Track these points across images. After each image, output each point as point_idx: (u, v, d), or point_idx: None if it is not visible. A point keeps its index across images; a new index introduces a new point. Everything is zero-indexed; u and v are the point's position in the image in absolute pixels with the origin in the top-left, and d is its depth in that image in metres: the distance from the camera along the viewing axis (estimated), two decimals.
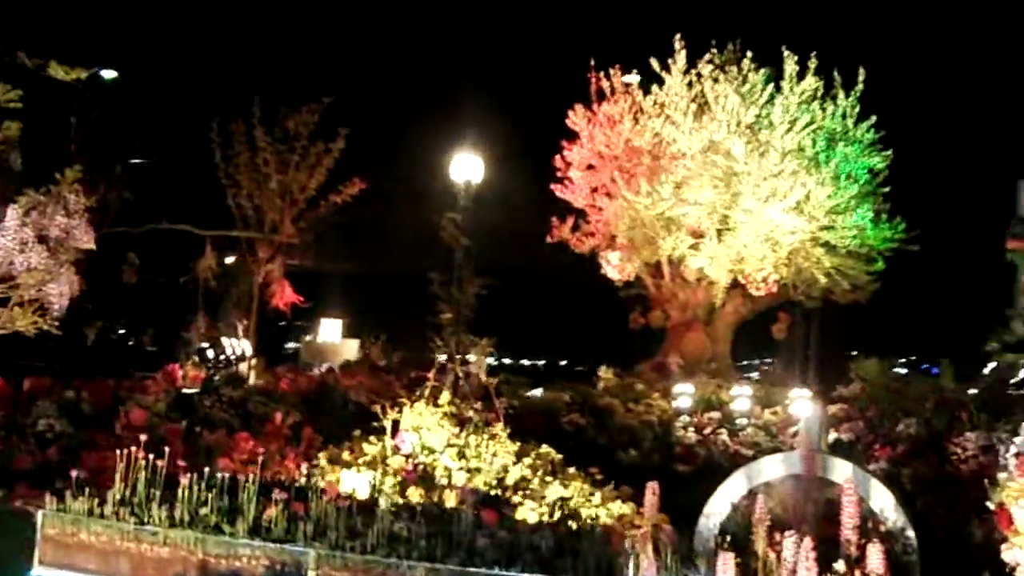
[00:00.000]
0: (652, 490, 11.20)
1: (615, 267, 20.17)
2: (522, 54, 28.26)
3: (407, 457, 12.44)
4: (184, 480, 10.11)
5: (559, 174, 20.94)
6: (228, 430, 13.35)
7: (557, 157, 20.93)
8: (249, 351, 18.32)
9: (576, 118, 20.44)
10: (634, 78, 29.38)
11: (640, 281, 20.92)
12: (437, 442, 12.62)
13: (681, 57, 19.64)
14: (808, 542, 9.18)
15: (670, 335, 20.90)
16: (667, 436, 15.41)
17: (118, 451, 10.35)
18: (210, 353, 17.75)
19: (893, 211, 20.04)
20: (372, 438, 13.11)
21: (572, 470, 12.71)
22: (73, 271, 11.98)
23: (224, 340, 18.19)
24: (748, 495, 11.00)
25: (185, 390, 14.48)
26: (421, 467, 12.19)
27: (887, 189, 20.07)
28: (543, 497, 11.76)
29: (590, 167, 20.57)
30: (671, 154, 19.40)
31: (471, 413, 13.41)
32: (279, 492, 9.89)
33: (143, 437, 10.73)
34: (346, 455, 12.83)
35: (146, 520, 9.95)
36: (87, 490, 10.11)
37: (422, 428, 12.78)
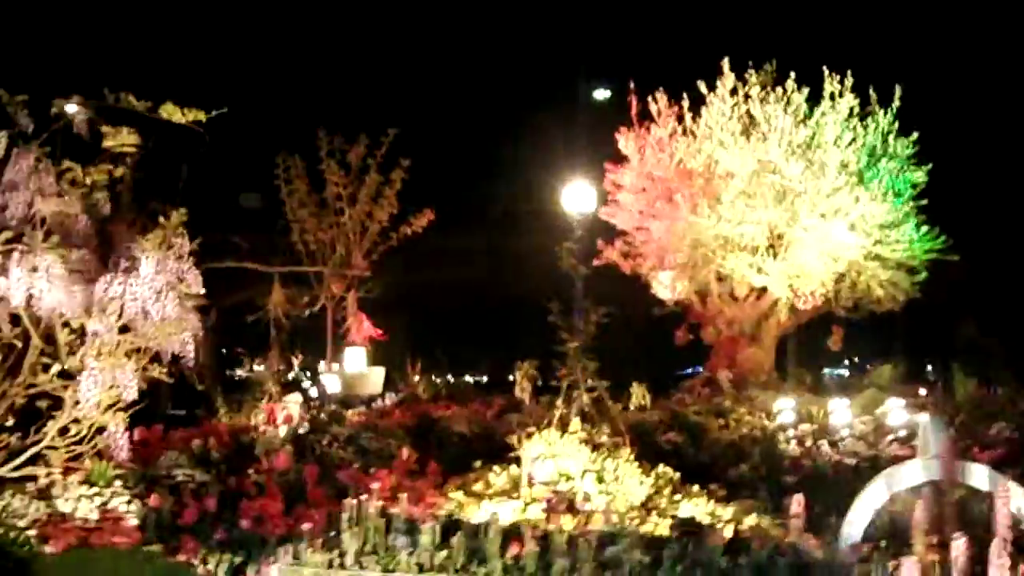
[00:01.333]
0: (798, 502, 10.63)
1: (667, 287, 19.35)
2: (556, 77, 27.21)
3: (546, 485, 11.82)
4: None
5: (609, 197, 19.92)
6: (346, 467, 12.25)
7: (607, 180, 19.90)
8: (339, 387, 17.21)
9: (625, 141, 19.54)
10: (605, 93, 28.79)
11: (686, 300, 20.04)
12: (574, 468, 12.01)
13: (729, 79, 18.88)
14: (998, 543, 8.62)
15: (716, 351, 20.07)
16: (771, 449, 14.46)
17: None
18: (312, 391, 16.58)
19: (930, 222, 19.41)
20: (496, 468, 12.53)
21: (695, 487, 12.26)
22: (198, 317, 10.95)
23: (321, 377, 17.16)
24: (890, 501, 10.37)
25: (298, 430, 13.32)
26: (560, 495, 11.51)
27: (925, 202, 19.45)
28: (674, 516, 11.20)
29: (640, 189, 19.60)
30: (720, 175, 18.63)
31: (603, 438, 12.82)
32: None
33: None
34: (478, 486, 12.17)
35: (392, 568, 9.22)
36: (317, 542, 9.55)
37: (558, 455, 12.16)
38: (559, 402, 13.19)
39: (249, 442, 12.34)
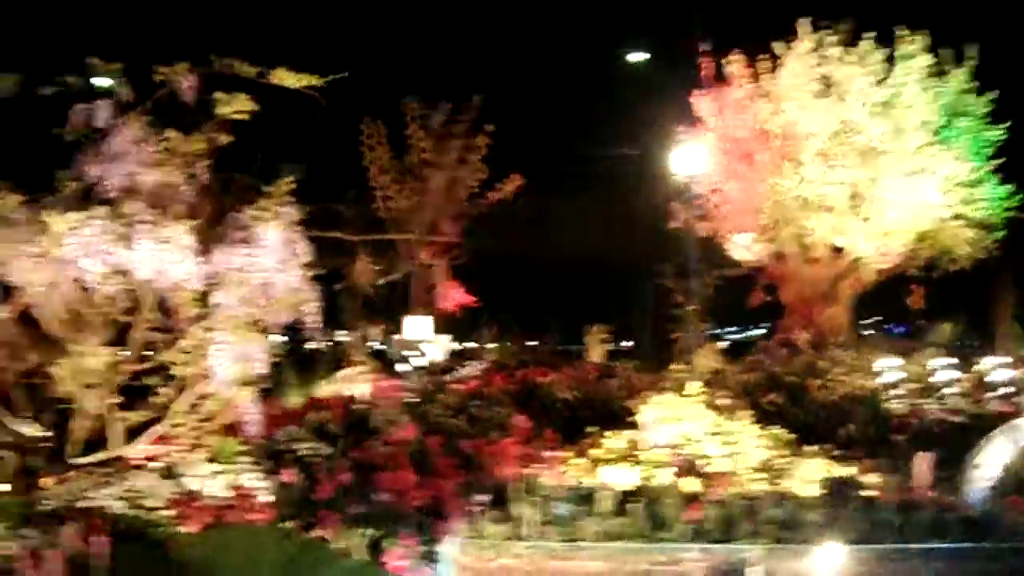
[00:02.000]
0: (924, 460, 10.40)
1: (745, 248, 18.55)
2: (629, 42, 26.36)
3: (667, 448, 11.30)
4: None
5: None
6: (462, 436, 11.57)
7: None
8: (441, 355, 16.48)
9: (703, 103, 18.69)
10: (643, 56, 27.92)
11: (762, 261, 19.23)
12: (696, 431, 11.51)
13: (806, 39, 18.00)
14: None
15: (791, 312, 19.24)
16: (876, 409, 13.74)
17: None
18: (417, 360, 15.82)
19: (1008, 180, 18.54)
20: (609, 433, 12.00)
21: (810, 448, 11.73)
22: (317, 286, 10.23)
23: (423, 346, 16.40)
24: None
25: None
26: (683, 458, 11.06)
27: (1004, 160, 18.50)
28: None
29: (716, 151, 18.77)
30: (799, 135, 17.81)
31: (724, 400, 12.44)
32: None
33: None
34: (597, 451, 11.57)
35: (575, 537, 8.66)
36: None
37: (680, 418, 11.67)
38: (674, 364, 12.65)
39: (364, 414, 11.65)
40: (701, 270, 12.34)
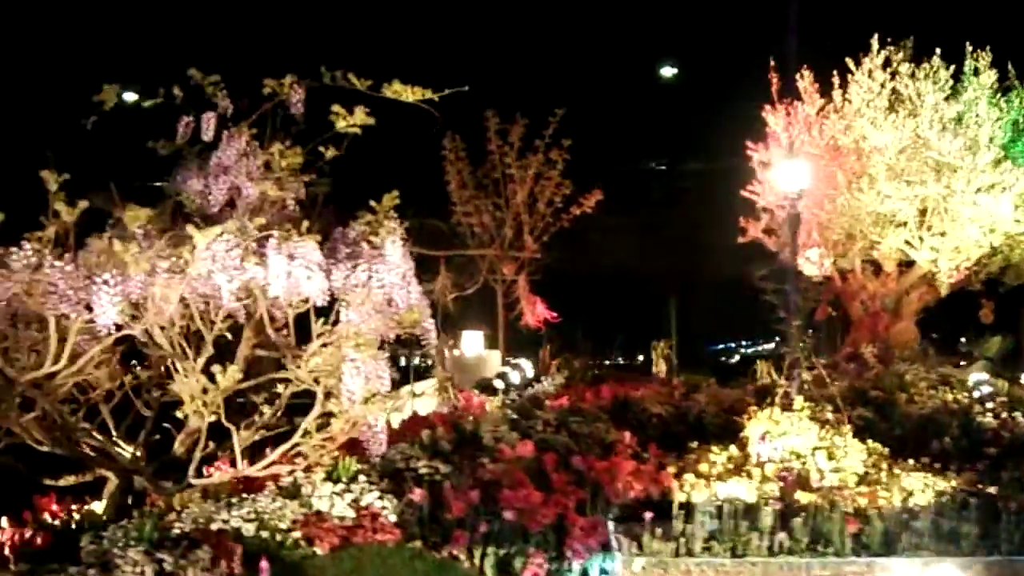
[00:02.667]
0: None
1: (814, 263, 18.00)
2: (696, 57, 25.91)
3: (775, 463, 11.04)
4: None
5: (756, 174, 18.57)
6: (571, 453, 10.98)
7: (755, 157, 18.51)
8: (532, 371, 15.92)
9: (774, 118, 18.17)
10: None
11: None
12: (803, 445, 11.22)
13: (879, 55, 17.52)
14: None
15: (857, 326, 18.70)
16: (968, 422, 13.22)
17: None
18: (513, 377, 15.24)
19: None
20: (714, 448, 11.73)
21: (909, 462, 11.48)
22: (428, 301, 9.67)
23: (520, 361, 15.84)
24: None
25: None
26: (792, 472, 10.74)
27: None
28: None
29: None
30: (868, 151, 17.30)
31: (828, 415, 11.89)
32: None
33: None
34: (704, 467, 11.15)
35: (742, 552, 8.45)
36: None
37: (787, 433, 11.42)
38: (781, 379, 12.19)
39: (473, 430, 11.09)
40: (804, 287, 11.87)
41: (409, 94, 9.77)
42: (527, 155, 15.92)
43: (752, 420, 11.84)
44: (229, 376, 8.61)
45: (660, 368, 18.72)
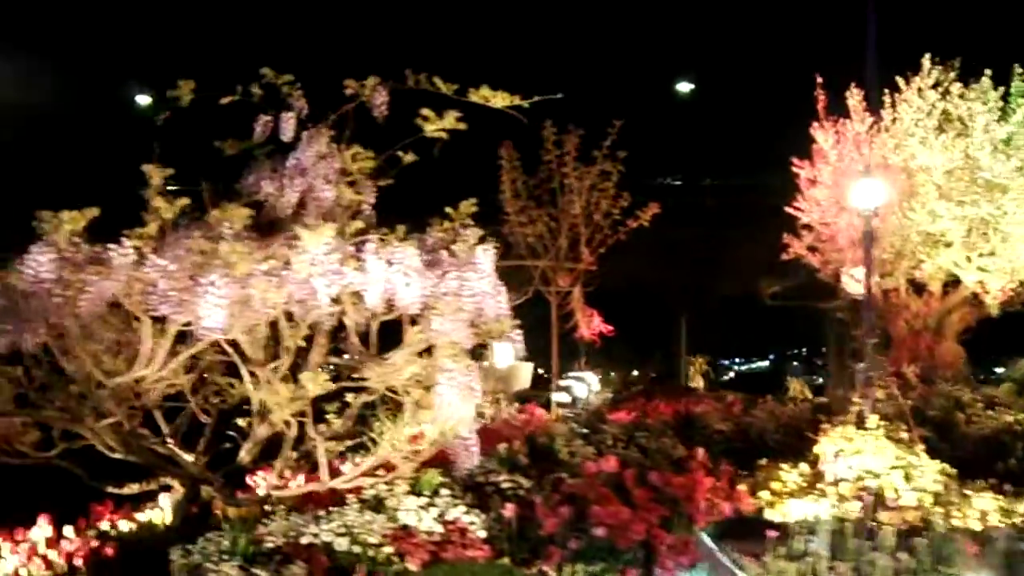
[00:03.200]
0: None
1: (859, 281, 17.50)
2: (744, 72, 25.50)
3: (849, 482, 10.52)
4: None
5: (802, 191, 18.09)
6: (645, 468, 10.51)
7: (802, 175, 18.05)
8: (596, 385, 15.43)
9: (823, 136, 17.71)
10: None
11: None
12: (879, 465, 10.66)
13: (930, 75, 17.09)
14: None
15: (898, 346, 18.20)
16: None
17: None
18: (578, 390, 14.75)
19: None
20: (784, 465, 11.24)
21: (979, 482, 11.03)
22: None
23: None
24: None
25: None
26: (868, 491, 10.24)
27: None
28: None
29: (834, 184, 17.76)
30: (916, 170, 16.85)
31: (903, 434, 11.48)
32: None
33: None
34: (776, 484, 10.77)
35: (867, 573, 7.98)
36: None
37: (861, 451, 10.86)
38: (855, 397, 11.73)
39: (547, 444, 10.61)
40: (879, 306, 11.49)
41: (499, 100, 9.27)
42: (583, 166, 15.41)
43: (824, 437, 11.36)
44: (319, 383, 8.11)
45: (698, 383, 18.28)
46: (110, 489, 9.54)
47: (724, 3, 27.12)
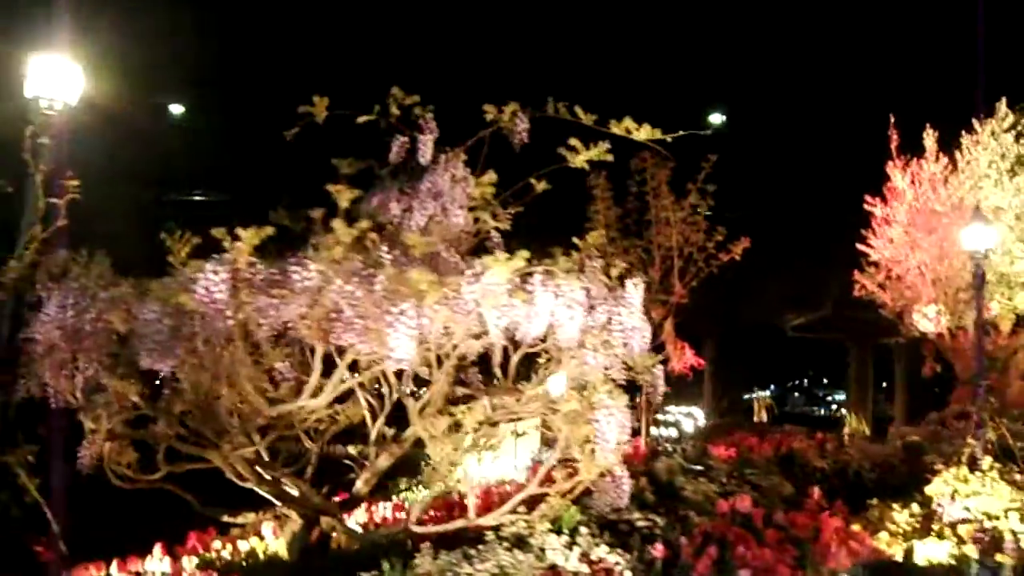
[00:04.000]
0: None
1: (931, 320, 17.02)
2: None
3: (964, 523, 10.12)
4: None
5: (875, 228, 17.61)
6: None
7: (876, 213, 17.56)
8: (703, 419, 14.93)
9: (898, 176, 17.23)
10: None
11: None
12: (995, 506, 10.28)
13: (1006, 118, 16.67)
14: None
15: (963, 385, 17.66)
16: None
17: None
18: (686, 424, 14.25)
19: None
20: (895, 505, 10.87)
21: None
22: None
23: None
24: None
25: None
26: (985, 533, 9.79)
27: None
28: None
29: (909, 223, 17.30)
30: (994, 211, 16.38)
31: (1017, 475, 10.94)
32: None
33: None
34: (891, 525, 10.36)
35: None
36: None
37: (977, 493, 10.54)
38: (969, 438, 11.25)
39: (671, 481, 10.08)
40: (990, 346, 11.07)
41: (642, 132, 8.79)
42: (674, 198, 14.91)
43: (938, 478, 10.89)
44: (478, 413, 7.62)
45: (762, 417, 17.77)
46: (225, 518, 9.08)
47: (752, 35, 26.78)
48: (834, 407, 62.86)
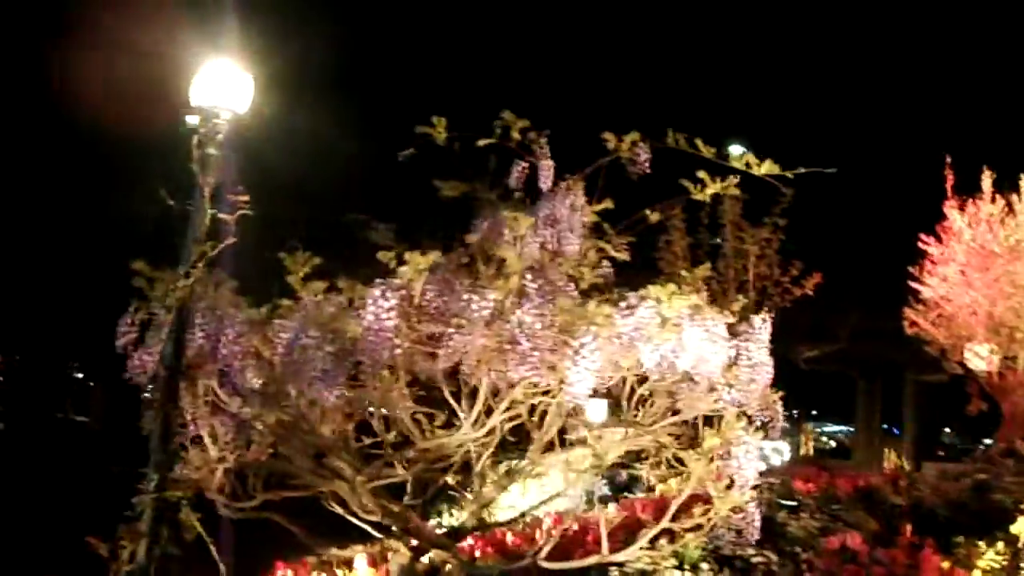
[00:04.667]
0: None
1: (984, 359, 16.79)
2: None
3: None
4: None
5: (929, 267, 17.43)
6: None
7: (931, 251, 17.40)
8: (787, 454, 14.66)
9: (957, 216, 17.07)
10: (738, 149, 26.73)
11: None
12: None
13: None
14: None
15: (1009, 422, 17.45)
16: None
17: None
18: (774, 459, 13.98)
19: None
20: (980, 543, 10.40)
21: None
22: None
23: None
24: None
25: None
26: None
27: None
28: None
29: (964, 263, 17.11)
30: None
31: None
32: None
33: None
34: (982, 562, 10.04)
35: None
36: None
37: None
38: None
39: (770, 516, 9.80)
40: None
41: (764, 168, 8.55)
42: (747, 229, 14.69)
43: (1021, 517, 10.63)
44: (619, 447, 7.37)
45: (808, 449, 17.52)
46: (333, 550, 8.82)
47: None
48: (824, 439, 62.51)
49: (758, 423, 8.05)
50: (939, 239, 17.26)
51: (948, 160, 17.28)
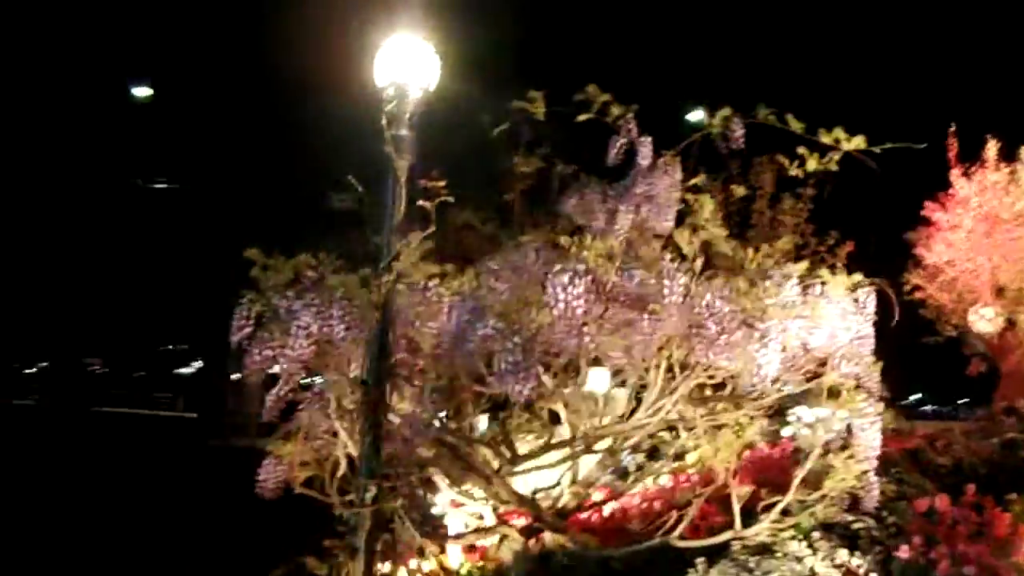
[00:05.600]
0: None
1: (990, 321, 17.08)
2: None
3: None
4: None
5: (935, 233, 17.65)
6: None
7: (937, 217, 17.63)
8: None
9: (964, 183, 17.29)
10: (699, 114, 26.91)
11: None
12: None
13: None
14: None
15: (1007, 382, 17.78)
16: None
17: None
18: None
19: None
20: None
21: None
22: None
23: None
24: None
25: None
26: None
27: None
28: None
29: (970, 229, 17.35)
30: None
31: None
32: None
33: None
34: None
35: None
36: None
37: None
38: None
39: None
40: None
41: (853, 143, 8.55)
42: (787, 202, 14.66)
43: None
44: (752, 429, 7.39)
45: None
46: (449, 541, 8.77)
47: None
48: None
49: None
50: (943, 206, 17.51)
51: (952, 129, 17.54)
